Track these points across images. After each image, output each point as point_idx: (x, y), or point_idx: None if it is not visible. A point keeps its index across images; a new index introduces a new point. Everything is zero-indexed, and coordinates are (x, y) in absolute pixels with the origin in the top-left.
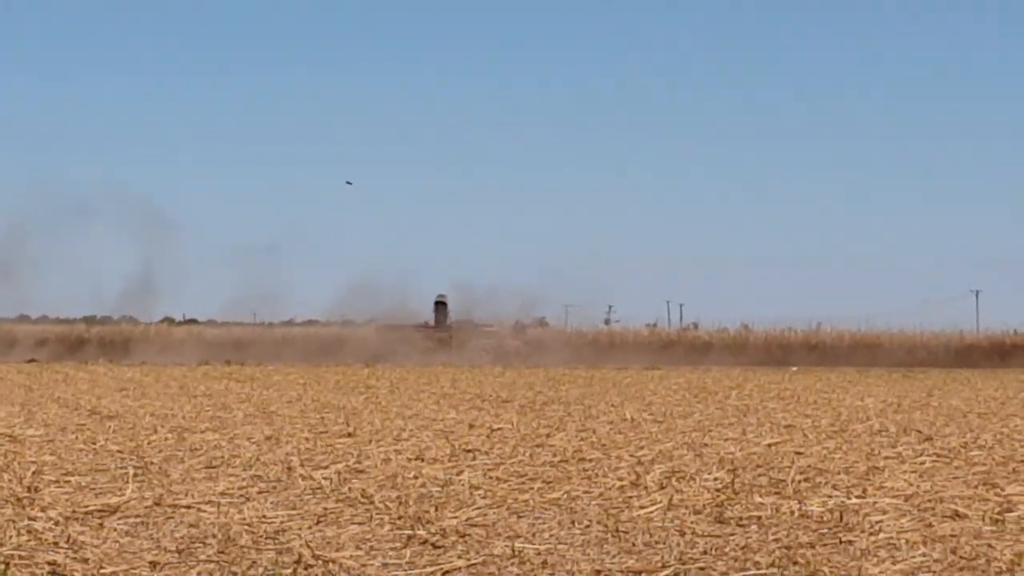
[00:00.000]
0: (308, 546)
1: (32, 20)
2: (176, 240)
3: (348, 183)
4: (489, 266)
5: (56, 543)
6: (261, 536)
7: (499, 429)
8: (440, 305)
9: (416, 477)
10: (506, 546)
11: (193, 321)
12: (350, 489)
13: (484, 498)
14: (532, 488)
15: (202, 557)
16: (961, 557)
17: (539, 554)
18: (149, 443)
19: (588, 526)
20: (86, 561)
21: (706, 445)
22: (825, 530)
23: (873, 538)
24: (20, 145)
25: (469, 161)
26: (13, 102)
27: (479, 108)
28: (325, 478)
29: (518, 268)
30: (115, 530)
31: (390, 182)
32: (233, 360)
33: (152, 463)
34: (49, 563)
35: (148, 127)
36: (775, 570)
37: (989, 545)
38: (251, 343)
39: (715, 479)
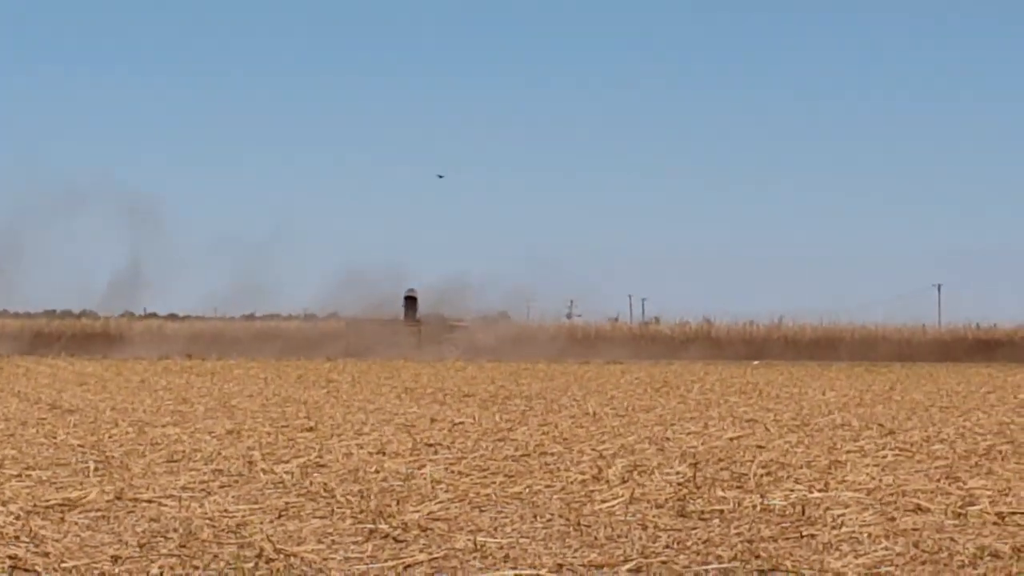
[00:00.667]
0: (269, 540)
1: (24, 13)
2: (163, 233)
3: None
4: (457, 261)
5: (17, 537)
6: (222, 530)
7: (461, 423)
8: (410, 300)
9: (378, 471)
10: (468, 540)
11: (154, 315)
12: (312, 483)
13: (446, 492)
14: (494, 482)
15: (163, 551)
16: (923, 551)
17: (501, 548)
18: (110, 437)
19: (550, 520)
20: (47, 555)
21: (668, 439)
22: (787, 524)
23: (835, 532)
24: (10, 137)
25: (444, 157)
26: (5, 94)
27: (455, 106)
28: (286, 472)
29: (488, 262)
30: (76, 524)
31: (373, 177)
32: (195, 354)
33: (113, 457)
34: (10, 557)
35: (139, 121)
36: (737, 563)
37: (951, 539)
38: (233, 338)
39: (677, 473)
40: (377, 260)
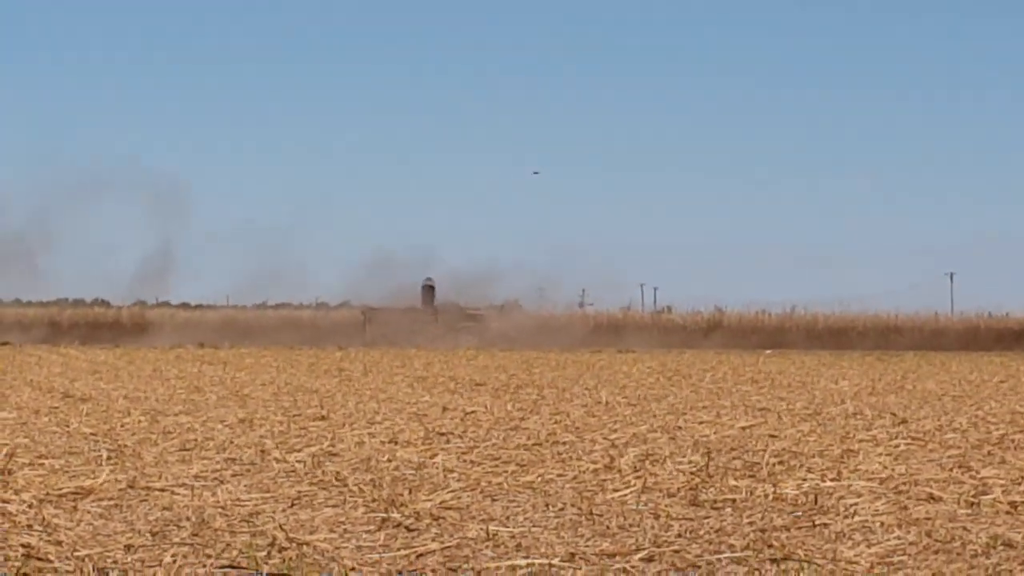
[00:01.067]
0: (282, 529)
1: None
2: (189, 220)
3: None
4: (469, 252)
5: (30, 526)
6: (235, 519)
7: (473, 412)
8: (427, 288)
9: (390, 460)
10: (480, 529)
11: (166, 304)
12: (324, 472)
13: (458, 481)
14: (506, 471)
15: (176, 540)
16: (936, 540)
17: (513, 537)
18: (122, 426)
19: (562, 509)
20: (60, 544)
21: (680, 428)
22: (800, 513)
23: (848, 521)
24: (37, 123)
25: (461, 147)
26: (30, 80)
27: (475, 97)
28: (299, 461)
29: (501, 252)
30: (89, 513)
31: (392, 166)
32: (207, 343)
33: (126, 446)
34: (23, 545)
35: (163, 106)
36: (749, 553)
37: (964, 528)
38: (257, 327)
39: (689, 462)
40: (399, 248)
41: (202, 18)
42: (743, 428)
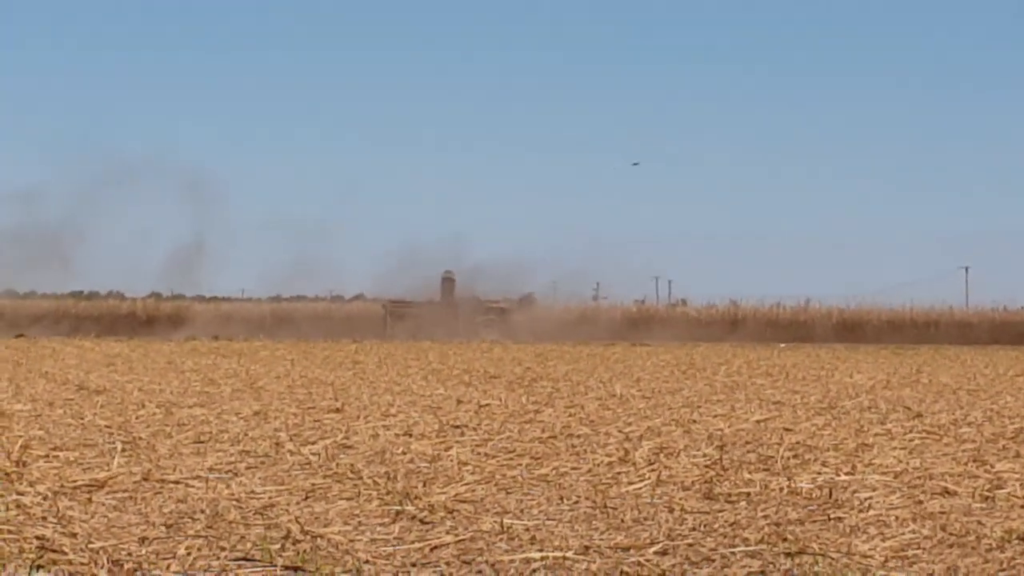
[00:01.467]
0: (296, 521)
1: None
2: (220, 213)
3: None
4: (480, 246)
5: (44, 518)
6: (249, 511)
7: (487, 405)
8: (447, 282)
9: (404, 453)
10: (494, 522)
11: (181, 296)
12: (338, 465)
13: (472, 474)
14: (520, 464)
15: (190, 532)
16: (951, 534)
17: (527, 530)
18: (137, 418)
19: (576, 502)
20: (75, 536)
21: (695, 421)
22: (814, 507)
23: (863, 515)
24: (68, 114)
25: (469, 139)
26: (62, 70)
27: (486, 92)
28: (313, 453)
29: (514, 245)
30: (103, 505)
31: (419, 159)
32: (221, 335)
33: (140, 438)
34: (38, 538)
35: (195, 97)
36: (764, 546)
37: (979, 522)
38: (276, 320)
39: (704, 455)
40: (427, 241)
41: (236, 9)
42: (758, 421)
